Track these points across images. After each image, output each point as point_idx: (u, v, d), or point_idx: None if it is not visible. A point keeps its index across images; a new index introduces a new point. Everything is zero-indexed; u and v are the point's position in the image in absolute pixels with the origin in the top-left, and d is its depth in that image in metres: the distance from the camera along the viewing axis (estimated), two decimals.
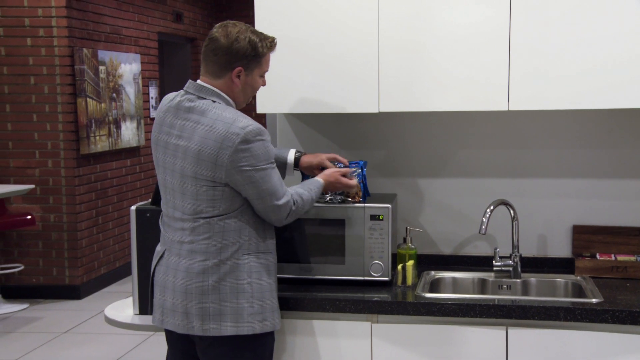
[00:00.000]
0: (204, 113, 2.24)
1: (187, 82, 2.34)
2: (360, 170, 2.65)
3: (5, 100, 6.06)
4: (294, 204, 2.34)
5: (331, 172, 2.54)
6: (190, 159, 2.23)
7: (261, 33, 2.34)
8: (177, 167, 2.27)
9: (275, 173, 2.30)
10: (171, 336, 2.43)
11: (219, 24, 2.33)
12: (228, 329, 2.27)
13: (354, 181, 2.57)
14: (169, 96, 2.38)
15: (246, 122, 2.23)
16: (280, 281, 2.56)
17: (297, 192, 2.38)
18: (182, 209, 2.29)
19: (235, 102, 2.35)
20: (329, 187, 2.54)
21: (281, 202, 2.29)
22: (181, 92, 2.34)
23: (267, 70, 2.38)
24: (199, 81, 2.32)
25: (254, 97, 2.70)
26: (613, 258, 2.76)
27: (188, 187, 2.26)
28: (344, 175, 2.56)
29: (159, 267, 2.37)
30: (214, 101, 2.28)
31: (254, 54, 2.29)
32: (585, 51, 2.49)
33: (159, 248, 2.42)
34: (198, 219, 2.27)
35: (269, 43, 2.33)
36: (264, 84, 2.41)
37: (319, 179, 2.50)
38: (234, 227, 2.28)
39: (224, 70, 2.28)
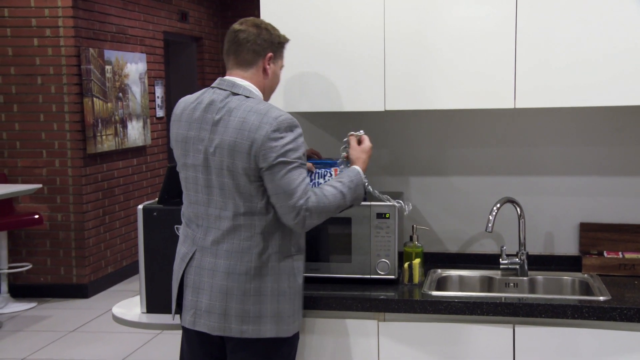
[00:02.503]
0: (238, 106, 2.24)
1: (217, 80, 2.35)
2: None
3: (13, 101, 6.09)
4: (306, 210, 2.20)
5: (360, 148, 2.46)
6: (227, 152, 2.21)
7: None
8: (214, 163, 2.23)
9: (300, 172, 2.22)
10: (198, 338, 2.35)
11: (238, 21, 2.38)
12: (267, 331, 2.26)
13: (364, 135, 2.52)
14: (192, 97, 2.36)
15: (279, 113, 2.23)
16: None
17: (320, 191, 2.26)
18: (221, 206, 2.25)
19: (264, 92, 2.37)
20: (366, 163, 2.46)
21: (291, 202, 2.19)
22: (210, 89, 2.33)
23: (283, 66, 2.43)
24: (228, 77, 2.32)
25: None
26: (620, 256, 2.76)
27: (226, 182, 2.23)
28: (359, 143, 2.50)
29: (189, 269, 2.31)
30: (247, 96, 2.28)
31: (278, 42, 2.37)
32: (592, 48, 2.49)
33: (185, 249, 2.35)
34: (238, 216, 2.23)
35: (285, 35, 2.41)
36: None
37: (354, 166, 2.42)
38: (274, 228, 2.25)
39: (258, 56, 2.32)
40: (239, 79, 2.31)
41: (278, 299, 2.27)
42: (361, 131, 2.51)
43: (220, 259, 2.26)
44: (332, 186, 2.29)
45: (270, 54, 2.33)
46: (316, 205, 2.22)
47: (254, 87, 2.32)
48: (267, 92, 2.39)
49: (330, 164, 2.66)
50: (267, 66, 2.33)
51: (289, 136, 2.21)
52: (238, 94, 2.27)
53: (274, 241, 2.26)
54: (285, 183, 2.19)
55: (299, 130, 2.25)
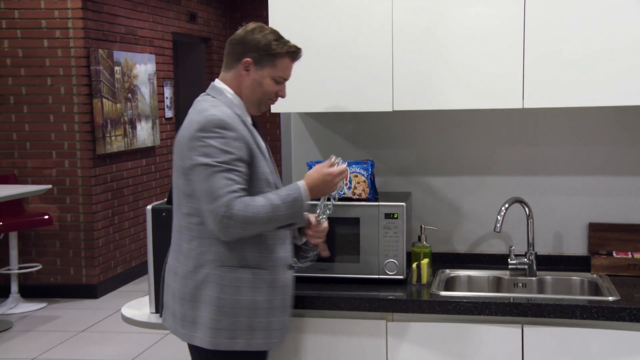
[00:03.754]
0: (194, 106, 2.24)
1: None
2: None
3: (23, 101, 6.12)
4: (229, 218, 2.07)
5: (315, 167, 2.27)
6: (175, 151, 2.24)
7: (283, 37, 2.29)
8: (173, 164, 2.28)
9: (226, 176, 2.08)
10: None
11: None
12: (198, 339, 2.21)
13: (343, 166, 2.29)
14: None
15: (214, 112, 2.14)
16: (295, 280, 2.56)
17: (250, 200, 2.11)
18: (175, 206, 2.27)
19: (243, 99, 2.26)
20: (317, 186, 2.23)
21: (211, 207, 2.07)
22: None
23: (283, 77, 2.28)
24: (216, 79, 2.33)
25: None
26: (630, 256, 2.75)
27: (175, 181, 2.26)
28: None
29: (166, 267, 2.38)
30: (214, 97, 2.24)
31: (266, 49, 2.23)
32: (602, 47, 2.48)
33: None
34: (183, 217, 2.21)
35: (287, 46, 2.26)
36: (281, 94, 2.31)
37: (298, 181, 2.24)
38: (213, 234, 2.15)
39: (236, 60, 2.25)
40: (219, 81, 2.30)
41: (215, 309, 2.18)
42: (343, 161, 2.32)
43: (171, 259, 2.30)
44: (265, 197, 2.15)
45: (246, 59, 2.23)
46: (242, 214, 2.08)
47: (229, 89, 2.26)
48: (247, 101, 2.27)
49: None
50: (244, 72, 2.24)
51: (215, 137, 2.10)
52: (209, 95, 2.27)
53: (213, 248, 2.18)
54: (206, 187, 2.09)
55: (230, 133, 2.12)
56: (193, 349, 2.29)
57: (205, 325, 2.19)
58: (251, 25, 2.29)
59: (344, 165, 2.30)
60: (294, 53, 2.29)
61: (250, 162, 2.18)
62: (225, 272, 2.19)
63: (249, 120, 2.28)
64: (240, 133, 2.15)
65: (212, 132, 2.11)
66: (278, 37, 2.27)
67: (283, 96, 2.32)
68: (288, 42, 2.28)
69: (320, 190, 2.25)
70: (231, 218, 2.08)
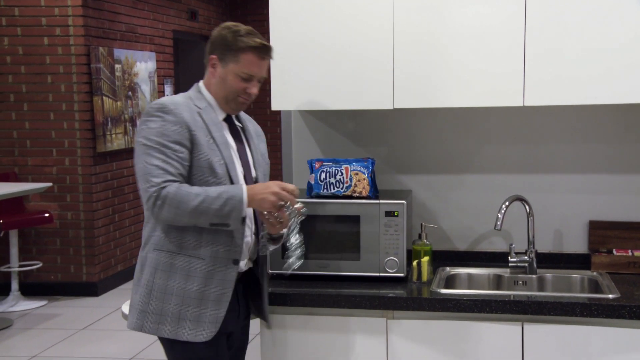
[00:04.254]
0: None
1: None
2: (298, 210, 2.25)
3: (23, 99, 6.12)
4: (158, 198, 2.08)
5: (271, 182, 2.22)
6: None
7: (251, 32, 2.24)
8: None
9: (162, 158, 2.11)
10: None
11: None
12: (131, 323, 2.26)
13: (292, 186, 2.19)
14: None
15: (162, 99, 2.21)
16: (296, 277, 2.57)
17: (185, 187, 2.12)
18: None
19: (213, 95, 2.29)
20: (258, 194, 2.16)
21: (144, 186, 2.11)
22: None
23: (247, 73, 2.22)
24: None
25: (269, 95, 2.71)
26: (630, 254, 2.75)
27: None
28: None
29: None
30: (186, 92, 2.32)
31: (228, 45, 2.22)
32: (602, 46, 2.48)
33: None
34: (144, 204, 2.21)
35: (251, 41, 2.21)
36: (250, 91, 2.26)
37: (242, 184, 2.20)
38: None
39: (206, 59, 2.30)
40: (201, 81, 2.35)
41: (146, 292, 2.21)
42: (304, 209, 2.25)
43: None
44: (203, 188, 2.15)
45: (212, 56, 2.26)
46: (173, 196, 2.09)
47: (204, 88, 2.31)
48: (217, 98, 2.29)
49: (340, 161, 2.67)
50: (211, 69, 2.27)
51: (154, 119, 2.16)
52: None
53: (157, 232, 2.22)
54: (141, 166, 2.14)
55: (169, 117, 2.15)
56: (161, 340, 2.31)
57: (135, 307, 2.25)
58: (225, 23, 2.30)
59: (297, 205, 2.20)
60: (259, 49, 2.22)
61: (191, 149, 2.18)
62: (161, 257, 2.22)
63: (217, 116, 2.29)
64: (180, 118, 2.17)
65: (152, 116, 2.18)
66: (244, 33, 2.23)
67: (253, 93, 2.27)
68: (255, 37, 2.24)
69: (260, 200, 2.16)
70: (160, 199, 2.10)
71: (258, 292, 2.41)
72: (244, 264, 2.32)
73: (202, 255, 2.21)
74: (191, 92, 2.31)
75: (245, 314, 2.42)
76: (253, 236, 2.34)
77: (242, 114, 2.44)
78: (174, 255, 2.21)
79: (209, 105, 2.28)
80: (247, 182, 2.28)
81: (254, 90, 2.28)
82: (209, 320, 2.21)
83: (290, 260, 2.33)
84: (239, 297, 2.35)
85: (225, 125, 2.32)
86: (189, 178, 2.19)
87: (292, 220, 2.26)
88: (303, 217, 2.27)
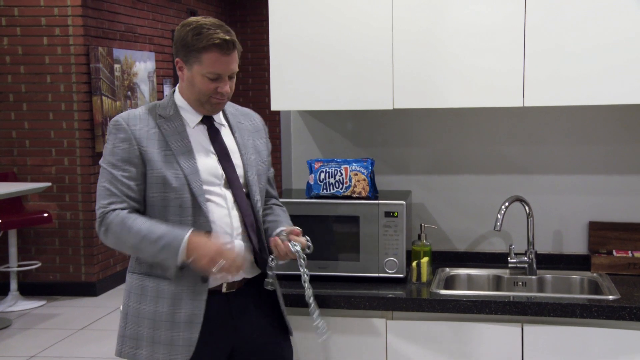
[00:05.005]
0: None
1: None
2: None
3: (22, 99, 6.11)
4: (103, 224, 2.06)
5: (215, 240, 2.06)
6: None
7: (212, 26, 2.08)
8: None
9: (108, 178, 2.08)
10: None
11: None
12: (116, 347, 2.22)
13: (232, 258, 2.04)
14: None
15: (119, 114, 2.16)
16: (295, 278, 2.55)
17: (133, 217, 2.05)
18: None
19: (186, 99, 2.18)
20: (198, 249, 2.01)
21: (95, 207, 2.11)
22: None
23: (213, 72, 2.09)
24: None
25: (268, 95, 2.70)
26: (630, 255, 2.74)
27: None
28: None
29: None
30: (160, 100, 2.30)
31: (186, 45, 2.09)
32: (602, 46, 2.48)
33: None
34: None
35: (209, 39, 2.05)
36: (222, 90, 2.12)
37: (187, 234, 2.02)
38: None
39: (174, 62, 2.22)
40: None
41: (124, 317, 2.18)
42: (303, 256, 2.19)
43: None
44: (150, 224, 2.05)
45: (177, 59, 2.14)
46: (115, 227, 2.06)
47: (177, 91, 2.21)
48: (191, 101, 2.17)
49: (339, 162, 2.66)
50: (180, 72, 2.15)
51: (109, 137, 2.15)
52: None
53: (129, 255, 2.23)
54: (98, 186, 2.14)
55: (120, 134, 2.10)
56: None
57: (117, 333, 2.22)
58: (186, 20, 2.14)
59: (233, 254, 2.05)
60: (220, 45, 2.06)
61: (143, 166, 2.09)
62: (133, 279, 2.18)
63: (190, 121, 2.17)
64: (130, 134, 2.09)
65: (109, 133, 2.16)
66: (200, 31, 2.07)
67: (226, 92, 2.13)
68: (213, 34, 2.06)
69: (197, 257, 2.02)
70: (104, 225, 2.08)
71: (264, 307, 2.27)
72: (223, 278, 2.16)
73: (153, 272, 2.13)
74: (164, 99, 2.23)
75: (251, 330, 2.23)
76: (241, 242, 2.17)
77: (236, 109, 2.33)
78: (144, 278, 2.15)
79: (177, 112, 2.16)
80: (232, 185, 2.16)
81: (226, 88, 2.13)
82: (182, 343, 2.09)
83: (318, 322, 2.19)
84: (235, 314, 2.20)
85: (201, 129, 2.19)
86: (148, 194, 2.11)
87: (300, 256, 2.17)
88: (310, 252, 2.21)
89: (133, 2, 6.92)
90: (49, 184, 5.91)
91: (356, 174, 2.63)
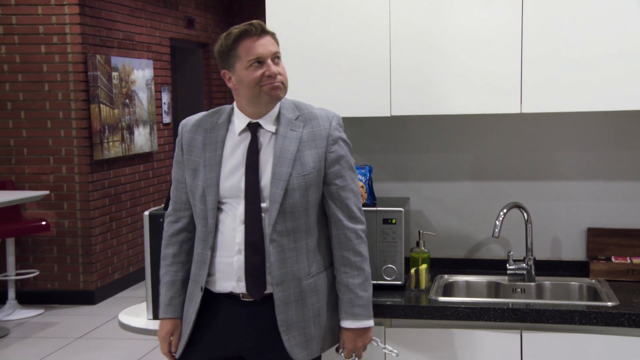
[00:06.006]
0: None
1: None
2: None
3: (20, 107, 6.11)
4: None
5: (171, 329, 2.29)
6: None
7: (237, 26, 2.14)
8: None
9: (172, 177, 2.29)
10: None
11: None
12: None
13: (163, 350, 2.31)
14: None
15: (186, 118, 2.29)
16: None
17: (166, 241, 2.31)
18: None
19: (240, 106, 2.18)
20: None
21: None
22: None
23: (253, 58, 2.09)
24: None
25: None
26: (628, 261, 2.74)
27: None
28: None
29: None
30: None
31: (222, 52, 2.14)
32: (600, 52, 2.48)
33: None
34: None
35: (235, 33, 2.10)
36: (269, 73, 2.10)
37: (165, 316, 2.29)
38: None
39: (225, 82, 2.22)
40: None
41: None
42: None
43: None
44: (170, 257, 2.31)
45: (222, 72, 2.17)
46: (164, 233, 2.35)
47: (235, 104, 2.22)
48: (250, 102, 2.15)
49: (360, 170, 2.66)
50: (230, 83, 2.17)
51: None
52: None
53: None
54: None
55: (178, 137, 2.27)
56: None
57: None
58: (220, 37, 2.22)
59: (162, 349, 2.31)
60: (247, 32, 2.09)
61: (183, 171, 2.24)
62: None
63: (236, 128, 2.18)
64: (181, 138, 2.25)
65: None
66: (229, 34, 2.13)
67: (275, 73, 2.11)
68: (239, 27, 2.12)
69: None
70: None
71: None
72: (230, 287, 2.17)
73: (191, 275, 2.28)
74: (229, 105, 2.26)
75: (260, 342, 2.19)
76: (242, 259, 2.14)
77: (302, 113, 2.20)
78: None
79: (229, 118, 2.20)
80: (247, 199, 2.13)
81: (273, 69, 2.10)
82: (185, 339, 2.25)
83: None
84: (247, 323, 2.19)
85: (244, 136, 2.17)
86: (184, 200, 2.28)
87: None
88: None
89: (131, 10, 6.93)
90: (47, 192, 5.90)
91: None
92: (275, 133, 2.16)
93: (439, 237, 2.94)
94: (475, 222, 2.94)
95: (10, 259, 5.88)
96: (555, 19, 2.50)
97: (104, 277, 6.37)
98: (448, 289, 2.74)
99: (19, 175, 6.17)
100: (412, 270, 2.63)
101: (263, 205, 2.13)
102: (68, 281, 6.22)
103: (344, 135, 2.24)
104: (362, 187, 2.63)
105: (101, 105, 6.25)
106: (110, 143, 6.40)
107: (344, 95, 2.65)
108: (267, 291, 2.15)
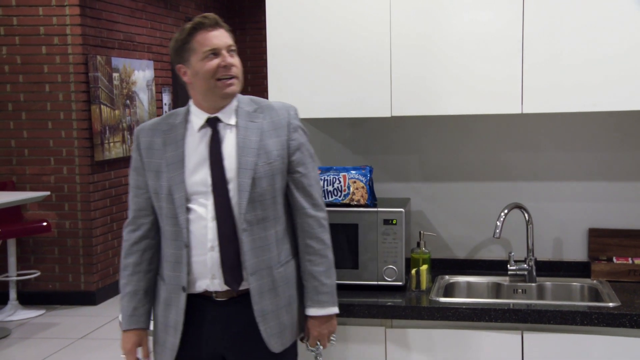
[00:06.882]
0: None
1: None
2: None
3: (21, 108, 6.11)
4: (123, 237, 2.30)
5: (136, 340, 2.26)
6: None
7: (191, 20, 2.17)
8: None
9: (130, 186, 2.25)
10: None
11: None
12: None
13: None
14: None
15: (141, 124, 2.27)
16: None
17: (126, 250, 2.27)
18: None
19: (197, 102, 2.18)
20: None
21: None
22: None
23: (207, 50, 2.10)
24: None
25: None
26: (630, 262, 2.74)
27: None
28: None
29: None
30: None
31: (176, 48, 2.15)
32: (600, 52, 2.47)
33: None
34: None
35: (189, 27, 2.13)
36: (224, 64, 2.11)
37: (127, 327, 2.25)
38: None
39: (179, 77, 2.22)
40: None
41: None
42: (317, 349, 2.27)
43: None
44: (129, 264, 2.27)
45: (177, 66, 2.16)
46: (124, 243, 2.32)
47: (191, 99, 2.22)
48: (205, 97, 2.15)
49: (338, 169, 2.66)
50: (185, 77, 2.16)
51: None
52: None
53: None
54: None
55: (134, 144, 2.25)
56: None
57: None
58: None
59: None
60: (201, 24, 2.12)
61: (144, 175, 2.22)
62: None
63: (194, 125, 2.18)
64: (138, 144, 2.22)
65: None
66: (182, 29, 2.15)
67: (230, 63, 2.12)
68: (194, 20, 2.15)
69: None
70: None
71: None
72: (204, 285, 2.16)
73: (164, 279, 2.23)
74: (183, 107, 2.25)
75: (240, 340, 2.21)
76: (217, 255, 2.14)
77: (259, 105, 2.22)
78: (157, 279, 2.28)
79: (186, 118, 2.19)
80: (215, 193, 2.13)
81: (229, 59, 2.12)
82: (170, 347, 2.19)
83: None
84: (225, 322, 2.20)
85: (204, 132, 2.17)
86: (153, 203, 2.23)
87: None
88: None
89: (131, 11, 6.93)
90: (48, 193, 5.90)
91: (355, 182, 2.63)
92: (236, 125, 2.17)
93: (439, 237, 2.94)
94: (476, 223, 2.93)
95: (12, 260, 5.88)
96: (556, 20, 2.49)
97: (105, 278, 6.38)
98: (449, 290, 2.73)
99: (19, 176, 6.17)
100: (413, 271, 2.62)
101: (232, 196, 2.13)
102: (69, 282, 6.22)
103: (302, 125, 2.27)
104: (363, 187, 2.63)
105: (102, 106, 6.25)
106: (111, 144, 6.40)
107: (344, 95, 2.65)
108: (244, 283, 2.16)
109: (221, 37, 2.14)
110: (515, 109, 2.55)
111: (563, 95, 2.51)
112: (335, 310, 2.24)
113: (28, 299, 6.14)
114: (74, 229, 6.18)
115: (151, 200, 2.22)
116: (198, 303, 2.19)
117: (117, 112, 6.51)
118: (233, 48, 2.17)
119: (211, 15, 2.15)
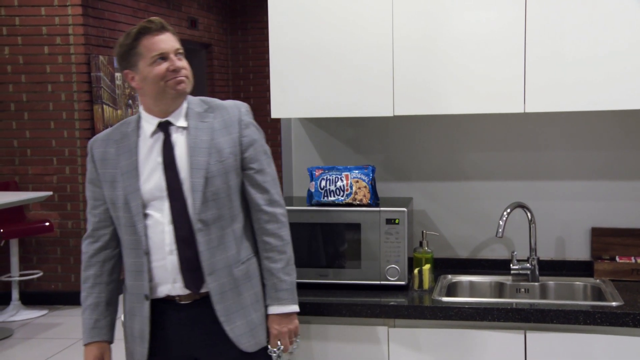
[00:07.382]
0: None
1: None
2: None
3: (24, 108, 6.12)
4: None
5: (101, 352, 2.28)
6: None
7: (132, 30, 2.15)
8: None
9: (89, 204, 2.27)
10: None
11: None
12: None
13: None
14: None
15: (95, 136, 2.28)
16: (297, 286, 2.55)
17: (85, 263, 2.32)
18: None
19: (147, 107, 2.20)
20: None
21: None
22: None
23: (155, 54, 2.10)
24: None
25: (268, 103, 2.70)
26: (633, 261, 2.73)
27: None
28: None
29: None
30: None
31: (122, 53, 2.14)
32: (602, 52, 2.47)
33: None
34: None
35: (135, 32, 2.12)
36: (172, 67, 2.11)
37: (90, 341, 2.28)
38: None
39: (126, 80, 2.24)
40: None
41: None
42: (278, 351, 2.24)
43: None
44: (90, 274, 2.34)
45: (124, 72, 2.16)
46: (83, 255, 2.37)
47: (141, 106, 2.23)
48: (155, 101, 2.16)
49: (340, 169, 2.66)
50: (134, 83, 2.16)
51: None
52: None
53: None
54: None
55: (88, 156, 2.26)
56: None
57: None
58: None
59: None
60: (147, 29, 2.12)
61: (100, 186, 2.22)
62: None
63: (147, 131, 2.19)
64: (92, 156, 2.23)
65: None
66: (127, 34, 2.14)
67: (179, 67, 2.12)
68: (139, 24, 2.14)
69: None
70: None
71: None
72: (166, 289, 2.16)
73: (127, 289, 2.24)
74: (134, 115, 2.26)
75: (211, 341, 2.19)
76: (175, 259, 2.14)
77: (209, 105, 2.22)
78: (123, 290, 2.29)
79: (138, 125, 2.20)
80: (170, 196, 2.12)
81: (177, 63, 2.12)
82: (139, 357, 2.21)
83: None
84: (191, 325, 2.19)
85: (156, 137, 2.17)
86: (111, 214, 2.24)
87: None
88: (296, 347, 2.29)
89: (134, 11, 6.93)
90: (50, 193, 5.91)
91: (357, 181, 2.63)
92: (187, 127, 2.17)
93: (442, 237, 2.94)
94: (478, 222, 2.93)
95: (14, 260, 5.89)
96: (558, 19, 2.49)
97: None
98: (451, 289, 2.73)
99: (22, 176, 6.17)
100: (416, 271, 2.62)
101: (186, 198, 2.13)
102: (71, 282, 6.22)
103: (254, 122, 2.26)
104: (365, 187, 2.62)
105: (104, 106, 6.26)
106: None
107: (347, 95, 2.65)
108: (205, 285, 2.16)
109: (168, 41, 2.14)
110: (518, 109, 2.54)
111: (565, 95, 2.51)
112: (294, 308, 2.22)
113: (30, 299, 6.15)
114: (76, 229, 6.18)
115: (109, 212, 2.21)
116: (162, 308, 2.19)
117: (119, 112, 6.52)
118: (181, 51, 2.17)
119: (157, 19, 2.16)
